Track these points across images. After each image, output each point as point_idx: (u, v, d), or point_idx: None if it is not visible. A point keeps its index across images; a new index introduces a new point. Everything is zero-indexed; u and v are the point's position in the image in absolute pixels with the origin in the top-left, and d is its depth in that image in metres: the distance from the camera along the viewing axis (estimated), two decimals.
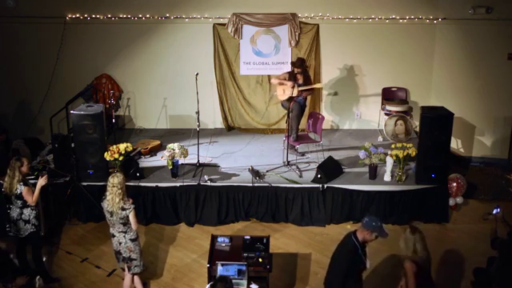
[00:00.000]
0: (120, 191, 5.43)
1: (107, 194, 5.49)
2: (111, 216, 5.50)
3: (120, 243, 5.60)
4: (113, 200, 5.43)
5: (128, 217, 5.48)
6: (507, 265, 5.18)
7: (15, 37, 9.48)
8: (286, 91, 8.17)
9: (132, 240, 5.61)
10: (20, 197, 5.91)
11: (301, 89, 8.23)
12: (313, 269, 6.54)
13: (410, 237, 4.88)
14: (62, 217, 7.53)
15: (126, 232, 5.56)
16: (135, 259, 5.67)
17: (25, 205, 5.94)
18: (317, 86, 8.91)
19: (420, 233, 4.92)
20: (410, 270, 4.77)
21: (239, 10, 9.29)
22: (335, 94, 9.75)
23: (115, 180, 5.45)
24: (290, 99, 8.08)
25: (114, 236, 5.63)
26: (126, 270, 5.75)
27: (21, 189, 5.87)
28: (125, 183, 5.56)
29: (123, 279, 5.92)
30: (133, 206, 5.51)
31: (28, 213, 5.97)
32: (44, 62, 9.55)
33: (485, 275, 5.61)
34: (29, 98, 9.83)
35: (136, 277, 5.83)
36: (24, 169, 5.95)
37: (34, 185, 6.05)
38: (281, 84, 8.31)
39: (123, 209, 5.44)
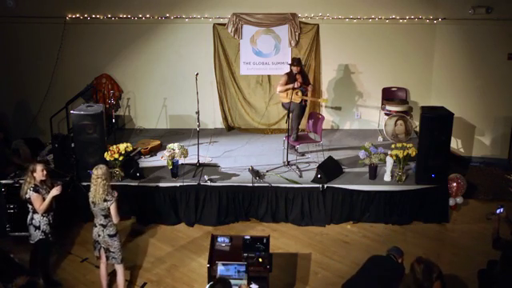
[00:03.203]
0: (104, 182, 5.56)
1: (91, 185, 5.61)
2: (94, 206, 5.62)
3: (99, 235, 5.71)
4: (96, 191, 5.55)
5: (109, 209, 5.59)
6: (511, 266, 5.16)
7: (15, 37, 9.49)
8: (288, 95, 8.15)
9: (110, 236, 5.70)
10: (30, 202, 5.86)
11: (304, 98, 8.27)
12: (313, 269, 6.53)
13: (421, 268, 4.85)
14: (62, 217, 7.51)
15: (105, 226, 5.66)
16: (113, 252, 5.78)
17: (35, 210, 5.88)
18: (321, 100, 9.01)
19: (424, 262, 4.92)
20: None
21: (239, 10, 9.29)
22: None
23: (99, 171, 5.58)
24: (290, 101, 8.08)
25: (95, 226, 5.74)
26: (103, 257, 5.82)
27: (30, 194, 5.81)
28: (110, 175, 5.76)
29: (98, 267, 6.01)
30: (114, 198, 5.61)
31: (39, 219, 5.87)
32: (44, 62, 9.56)
33: (489, 278, 5.57)
34: (29, 98, 9.83)
35: (119, 267, 5.89)
36: (36, 175, 5.84)
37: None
38: (287, 90, 8.27)
39: (105, 200, 5.55)
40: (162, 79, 9.75)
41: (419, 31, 9.34)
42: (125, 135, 9.45)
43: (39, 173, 5.85)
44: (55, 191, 5.88)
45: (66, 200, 7.42)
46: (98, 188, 5.54)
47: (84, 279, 6.36)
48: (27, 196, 5.82)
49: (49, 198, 5.84)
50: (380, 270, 4.99)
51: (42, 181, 5.90)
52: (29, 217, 5.93)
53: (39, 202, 5.80)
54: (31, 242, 5.98)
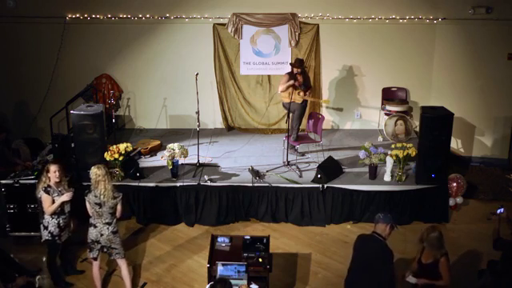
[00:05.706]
0: (110, 179, 5.63)
1: (98, 185, 5.56)
2: (100, 207, 5.59)
3: (102, 235, 5.68)
4: (106, 189, 5.56)
5: (115, 206, 5.64)
6: (511, 266, 5.16)
7: (15, 37, 9.49)
8: (289, 95, 8.13)
9: (114, 232, 5.73)
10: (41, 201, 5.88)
11: (306, 98, 8.28)
12: (313, 269, 6.53)
13: (435, 234, 5.16)
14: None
15: (110, 224, 5.67)
16: (116, 248, 5.78)
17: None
18: (323, 101, 9.02)
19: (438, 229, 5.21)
20: (447, 266, 5.02)
21: (239, 10, 9.29)
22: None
23: (102, 170, 5.59)
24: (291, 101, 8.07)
25: (95, 226, 5.68)
26: (98, 259, 5.80)
27: (40, 194, 5.81)
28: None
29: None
30: (121, 194, 5.69)
31: (48, 219, 5.86)
32: (44, 62, 9.56)
33: (489, 278, 5.56)
34: (29, 98, 9.83)
35: (122, 262, 5.87)
36: (50, 175, 5.79)
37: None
38: (288, 87, 8.25)
39: (114, 197, 5.61)
40: (162, 79, 9.75)
41: (419, 31, 9.34)
42: (125, 135, 9.45)
43: (51, 174, 5.80)
44: (65, 197, 5.82)
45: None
46: (107, 185, 5.57)
47: (84, 279, 6.35)
48: (39, 196, 5.84)
49: (58, 202, 5.80)
50: (370, 258, 4.96)
51: (56, 182, 5.86)
52: (40, 215, 5.98)
53: (48, 204, 5.78)
54: (41, 240, 6.00)
